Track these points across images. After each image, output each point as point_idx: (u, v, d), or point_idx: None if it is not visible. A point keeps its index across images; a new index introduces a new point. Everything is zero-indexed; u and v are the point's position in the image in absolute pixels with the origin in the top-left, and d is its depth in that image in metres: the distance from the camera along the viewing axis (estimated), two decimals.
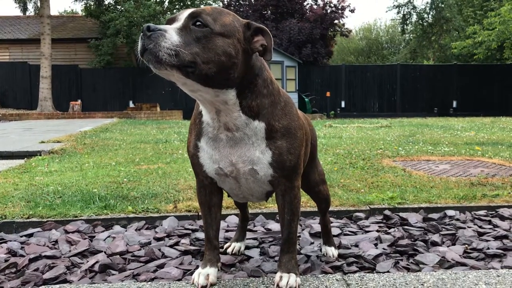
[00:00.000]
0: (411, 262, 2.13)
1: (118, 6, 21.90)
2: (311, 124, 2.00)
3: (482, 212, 2.94)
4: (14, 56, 23.24)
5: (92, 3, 23.09)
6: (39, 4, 20.02)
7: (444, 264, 2.08)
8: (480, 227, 2.66)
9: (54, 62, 20.00)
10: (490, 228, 2.62)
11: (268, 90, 1.60)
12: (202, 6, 1.49)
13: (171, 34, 1.39)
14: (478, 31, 21.89)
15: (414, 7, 31.98)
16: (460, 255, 2.19)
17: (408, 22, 32.89)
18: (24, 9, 23.68)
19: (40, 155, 5.70)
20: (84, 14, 24.17)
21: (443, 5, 30.58)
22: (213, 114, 1.59)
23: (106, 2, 23.41)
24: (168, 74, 1.42)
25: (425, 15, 32.04)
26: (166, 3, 24.68)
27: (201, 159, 1.70)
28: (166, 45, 1.37)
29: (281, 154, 1.63)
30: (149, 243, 2.41)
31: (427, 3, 31.47)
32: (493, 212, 2.95)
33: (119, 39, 20.57)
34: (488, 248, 2.27)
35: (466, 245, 2.32)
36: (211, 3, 26.34)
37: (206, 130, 1.66)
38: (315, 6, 24.81)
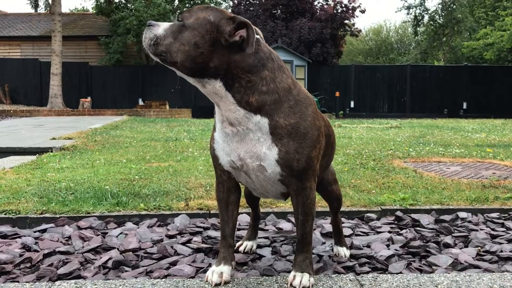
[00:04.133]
0: (424, 264, 2.12)
1: (128, 5, 21.99)
2: (331, 125, 1.99)
3: (494, 215, 2.93)
4: (26, 53, 23.43)
5: (102, 1, 23.20)
6: (50, 1, 20.14)
7: (457, 266, 2.07)
8: (493, 229, 2.64)
9: (64, 59, 20.12)
10: (503, 231, 2.60)
11: (268, 88, 1.62)
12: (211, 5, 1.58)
13: (158, 28, 1.62)
14: (490, 32, 21.70)
15: (426, 9, 31.78)
16: (473, 258, 2.18)
17: (420, 23, 32.70)
18: (36, 6, 23.91)
19: (52, 151, 5.74)
20: (94, 11, 24.30)
21: (454, 6, 30.37)
22: (216, 106, 1.68)
23: (117, 0, 23.52)
24: (157, 60, 1.64)
25: (437, 16, 31.86)
26: (176, 1, 24.77)
27: (216, 151, 1.77)
28: (149, 36, 1.62)
29: (288, 152, 1.63)
30: (161, 240, 2.43)
31: (438, 4, 31.28)
32: (506, 215, 2.93)
33: (129, 38, 20.66)
34: (502, 251, 2.25)
35: (479, 248, 2.31)
36: (220, 2, 26.41)
37: (216, 122, 1.74)
38: (325, 6, 24.72)
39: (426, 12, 32.04)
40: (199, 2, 22.92)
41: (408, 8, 32.03)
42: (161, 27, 1.62)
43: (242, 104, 1.61)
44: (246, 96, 1.60)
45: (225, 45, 1.56)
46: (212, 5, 1.64)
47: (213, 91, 1.61)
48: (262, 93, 1.61)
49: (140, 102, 20.69)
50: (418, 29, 33.31)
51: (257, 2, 24.91)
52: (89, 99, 19.80)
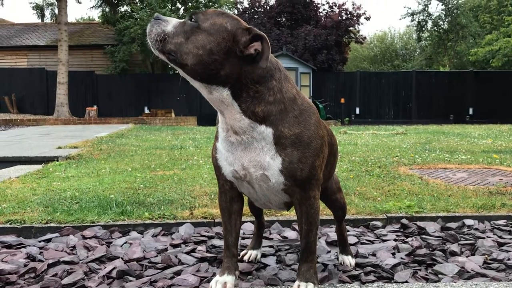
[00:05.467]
0: (430, 272, 2.10)
1: (134, 14, 22.14)
2: (333, 134, 1.98)
3: (501, 222, 2.90)
4: (32, 62, 23.62)
5: (108, 10, 23.39)
6: (56, 11, 20.32)
7: (463, 274, 2.05)
8: (500, 237, 2.62)
9: (70, 68, 20.27)
10: (510, 238, 2.57)
11: (275, 98, 1.62)
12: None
13: (166, 24, 1.56)
14: (495, 37, 21.64)
15: (429, 14, 31.74)
16: (480, 266, 2.15)
17: (424, 29, 32.65)
18: (42, 16, 24.14)
19: (57, 160, 5.76)
20: (100, 21, 24.49)
21: (458, 12, 30.32)
22: (220, 114, 1.66)
23: (122, 9, 23.70)
24: (161, 58, 1.59)
25: (441, 22, 31.81)
26: (181, 10, 24.91)
27: (219, 161, 1.75)
28: (156, 31, 1.55)
29: (291, 162, 1.62)
30: (166, 249, 2.42)
31: (442, 10, 31.24)
32: None
33: (134, 46, 20.78)
34: (509, 259, 2.23)
35: (486, 256, 2.29)
36: (225, 10, 26.51)
37: (219, 131, 1.72)
38: (330, 13, 24.78)
39: (429, 18, 31.98)
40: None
41: (412, 14, 31.98)
42: (171, 24, 1.57)
43: (248, 114, 1.60)
44: (253, 106, 1.59)
45: (239, 55, 1.55)
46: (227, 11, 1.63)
47: (220, 99, 1.59)
48: (268, 103, 1.61)
49: (146, 111, 20.78)
50: (421, 34, 33.25)
51: (262, 10, 25.03)
52: (95, 107, 19.91)
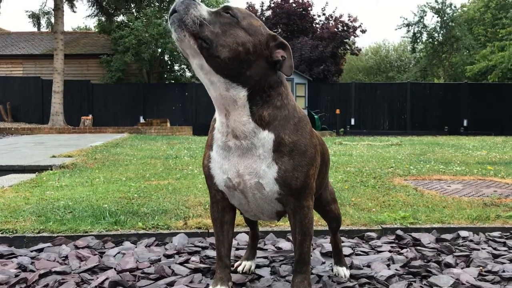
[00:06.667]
0: (425, 284, 2.09)
1: (130, 23, 22.19)
2: (324, 143, 1.98)
3: (496, 234, 2.90)
4: (28, 71, 23.59)
5: (104, 20, 23.43)
6: (53, 20, 20.32)
7: (458, 286, 2.04)
8: (495, 248, 2.61)
9: (66, 77, 20.24)
10: (505, 250, 2.57)
11: (282, 103, 1.63)
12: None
13: (202, 9, 1.50)
14: (489, 53, 21.85)
15: (425, 26, 32.00)
16: (474, 278, 2.14)
17: (418, 41, 32.90)
18: (38, 25, 24.13)
19: (51, 169, 5.73)
20: (96, 30, 24.52)
21: (453, 24, 30.61)
22: (222, 117, 1.63)
23: (119, 19, 23.75)
24: (184, 42, 1.47)
25: (435, 34, 32.08)
26: None
27: (212, 170, 1.73)
28: (194, 13, 1.46)
29: (287, 171, 1.62)
30: (159, 260, 2.40)
31: (437, 22, 31.51)
32: (508, 234, 2.90)
33: (128, 56, 20.80)
34: (504, 271, 2.22)
35: (481, 267, 2.28)
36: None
37: (216, 137, 1.70)
38: (326, 24, 24.93)
39: (424, 30, 32.22)
40: None
41: (408, 25, 32.25)
42: (205, 10, 1.51)
43: (255, 118, 1.60)
44: (261, 110, 1.60)
45: (268, 60, 1.58)
46: None
47: (234, 98, 1.57)
48: (275, 108, 1.62)
49: (141, 120, 20.76)
50: (416, 46, 33.49)
51: None
52: (90, 116, 19.87)
